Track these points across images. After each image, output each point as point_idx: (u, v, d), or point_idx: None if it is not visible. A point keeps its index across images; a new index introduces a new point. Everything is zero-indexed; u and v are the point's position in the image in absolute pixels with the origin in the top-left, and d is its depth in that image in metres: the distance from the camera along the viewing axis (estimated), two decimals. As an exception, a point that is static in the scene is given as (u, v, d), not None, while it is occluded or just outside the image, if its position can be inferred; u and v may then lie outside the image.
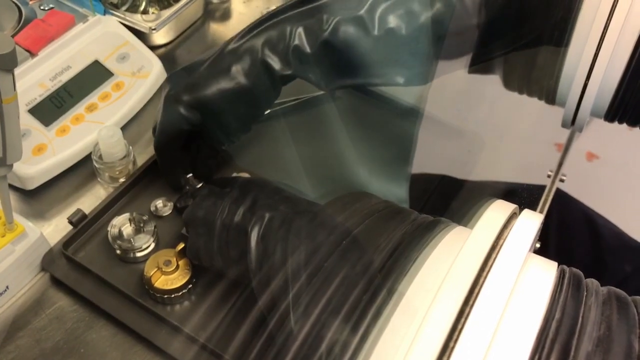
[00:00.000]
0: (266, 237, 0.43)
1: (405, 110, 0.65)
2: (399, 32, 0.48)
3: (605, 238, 0.75)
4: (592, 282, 0.34)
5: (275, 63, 0.50)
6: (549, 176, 0.57)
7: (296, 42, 0.49)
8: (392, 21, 0.48)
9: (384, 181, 0.59)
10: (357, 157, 0.59)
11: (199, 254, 0.48)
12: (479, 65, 0.54)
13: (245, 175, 0.58)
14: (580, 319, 0.31)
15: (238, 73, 0.50)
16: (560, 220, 0.74)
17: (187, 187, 0.56)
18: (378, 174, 0.59)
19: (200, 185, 0.55)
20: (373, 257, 0.36)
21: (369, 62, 0.50)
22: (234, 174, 0.58)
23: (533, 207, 0.55)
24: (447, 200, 0.66)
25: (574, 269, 0.35)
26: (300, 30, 0.49)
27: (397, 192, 0.59)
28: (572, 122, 0.52)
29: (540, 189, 0.56)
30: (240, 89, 0.50)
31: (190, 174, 0.55)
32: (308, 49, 0.49)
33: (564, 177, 0.57)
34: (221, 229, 0.46)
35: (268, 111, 0.64)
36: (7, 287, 0.51)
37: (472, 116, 0.75)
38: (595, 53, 0.47)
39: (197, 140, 0.54)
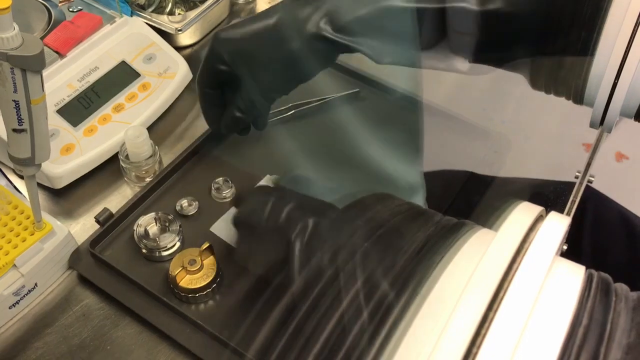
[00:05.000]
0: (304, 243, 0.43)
1: (406, 98, 0.68)
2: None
3: None
4: (622, 287, 0.33)
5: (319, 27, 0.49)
6: (576, 177, 0.55)
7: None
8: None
9: (397, 163, 0.60)
10: (371, 142, 0.61)
11: (246, 258, 0.49)
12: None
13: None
14: (608, 325, 0.30)
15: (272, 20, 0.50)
16: (596, 219, 0.72)
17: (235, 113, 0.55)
18: (391, 157, 0.60)
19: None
20: (395, 260, 0.36)
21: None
22: (268, 176, 0.59)
23: (561, 207, 0.54)
24: (473, 198, 0.66)
25: (602, 274, 0.34)
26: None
27: (410, 174, 0.59)
28: (601, 123, 0.51)
29: (570, 185, 0.55)
30: (270, 30, 0.50)
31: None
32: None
33: (592, 178, 0.56)
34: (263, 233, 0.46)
35: (289, 113, 0.65)
36: (35, 284, 0.52)
37: (499, 116, 0.74)
38: (626, 51, 0.46)
39: (235, 88, 0.54)
